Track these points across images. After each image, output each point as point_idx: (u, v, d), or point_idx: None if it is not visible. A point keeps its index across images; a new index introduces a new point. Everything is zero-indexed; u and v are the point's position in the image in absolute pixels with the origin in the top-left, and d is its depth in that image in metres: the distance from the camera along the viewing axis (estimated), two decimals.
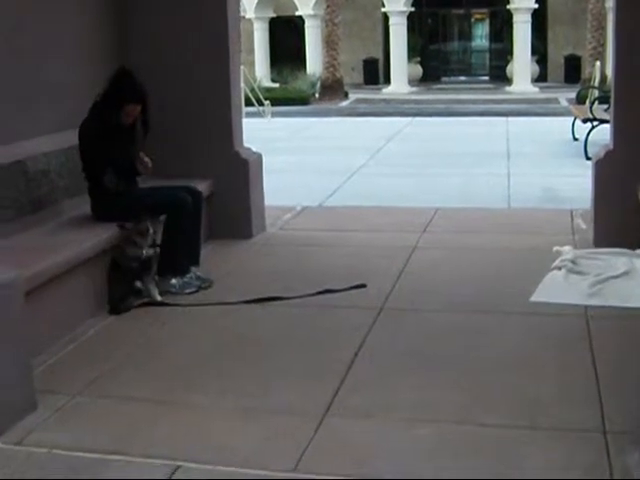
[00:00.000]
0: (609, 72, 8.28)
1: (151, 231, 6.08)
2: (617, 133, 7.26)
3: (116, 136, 6.23)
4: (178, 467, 3.81)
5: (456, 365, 4.90)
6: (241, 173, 7.79)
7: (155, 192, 6.54)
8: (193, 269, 6.46)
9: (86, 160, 6.29)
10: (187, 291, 6.28)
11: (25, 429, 4.22)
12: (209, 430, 4.20)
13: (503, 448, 3.95)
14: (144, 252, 6.03)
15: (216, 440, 4.08)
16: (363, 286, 6.29)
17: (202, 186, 7.07)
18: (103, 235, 6.03)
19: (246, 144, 8.17)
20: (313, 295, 6.09)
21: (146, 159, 6.28)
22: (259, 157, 8.18)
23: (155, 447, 4.01)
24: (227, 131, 7.73)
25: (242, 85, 19.15)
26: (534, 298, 5.99)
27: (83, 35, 7.11)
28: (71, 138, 6.38)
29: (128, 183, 6.44)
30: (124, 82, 6.23)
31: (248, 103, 22.15)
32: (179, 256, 6.38)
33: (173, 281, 6.30)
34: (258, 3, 35.35)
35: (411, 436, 4.07)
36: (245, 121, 8.57)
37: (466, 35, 40.18)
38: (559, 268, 6.52)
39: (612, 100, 7.42)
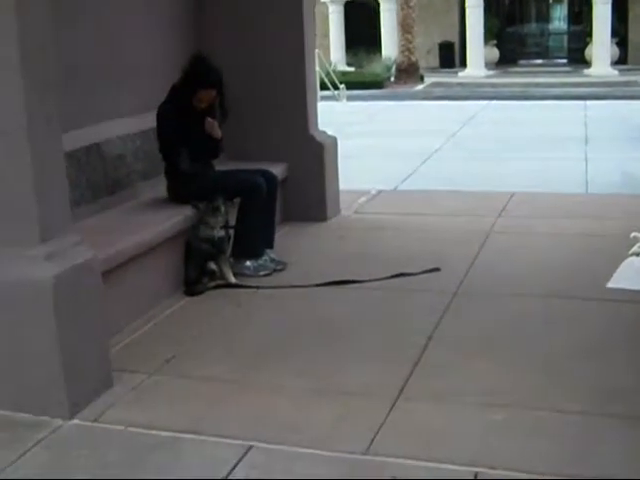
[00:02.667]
0: None
1: (223, 212, 6.12)
2: None
3: (192, 120, 6.28)
4: (251, 447, 3.85)
5: (531, 350, 4.86)
6: (316, 156, 7.80)
7: (230, 175, 6.58)
8: (267, 251, 6.50)
9: (162, 141, 6.36)
10: (261, 273, 6.32)
11: (102, 407, 4.29)
12: (282, 410, 4.23)
13: (578, 435, 3.91)
14: (216, 233, 6.08)
15: (289, 421, 4.11)
16: (437, 270, 6.26)
17: (277, 169, 7.09)
18: (179, 217, 6.09)
19: (321, 128, 8.17)
20: (387, 279, 6.09)
21: (210, 120, 6.33)
22: (334, 140, 8.18)
23: (229, 427, 4.05)
24: (302, 115, 7.74)
25: (317, 69, 19.20)
26: (611, 284, 5.91)
27: (160, 18, 7.17)
28: (147, 121, 6.45)
29: (204, 165, 6.47)
30: (198, 67, 6.28)
31: (323, 87, 22.16)
32: (253, 239, 6.41)
33: (247, 263, 6.33)
34: None
35: (484, 421, 4.05)
36: (320, 105, 8.57)
37: (544, 17, 39.59)
38: (637, 254, 6.42)
39: None
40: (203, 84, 6.28)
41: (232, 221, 6.33)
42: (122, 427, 4.09)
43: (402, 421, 4.08)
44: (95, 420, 4.18)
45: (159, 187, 6.51)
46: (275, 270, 6.39)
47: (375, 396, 4.33)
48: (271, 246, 6.63)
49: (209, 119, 6.32)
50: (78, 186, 5.85)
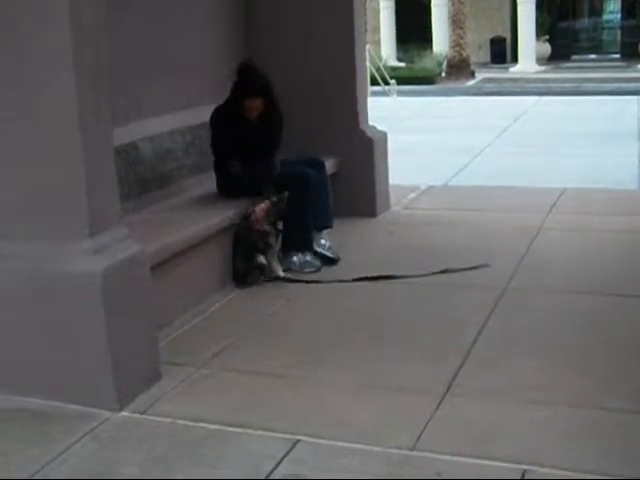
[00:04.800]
0: None
1: (271, 204, 6.12)
2: None
3: (246, 128, 6.34)
4: (298, 441, 3.85)
5: (580, 348, 4.81)
6: (366, 151, 7.78)
7: (282, 168, 6.57)
8: (324, 233, 6.56)
9: (212, 145, 6.44)
10: (306, 270, 6.31)
11: (150, 399, 4.32)
12: (329, 405, 4.23)
13: (624, 433, 3.86)
14: (265, 227, 6.09)
15: (336, 415, 4.10)
16: (486, 265, 6.22)
17: (327, 164, 7.08)
18: (228, 211, 6.11)
19: (371, 123, 8.15)
20: (433, 274, 6.06)
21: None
22: (384, 136, 8.16)
23: (275, 420, 4.05)
24: (352, 110, 7.72)
25: (368, 64, 19.16)
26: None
27: (210, 15, 7.19)
28: (196, 116, 6.48)
29: (253, 167, 6.46)
30: (243, 76, 6.32)
31: (374, 82, 22.11)
32: (301, 232, 6.41)
33: (294, 259, 6.33)
34: None
35: (532, 418, 4.01)
36: (370, 100, 8.55)
37: (597, 11, 39.19)
38: None
39: None
40: (248, 93, 6.32)
41: (282, 215, 6.33)
42: (170, 419, 4.12)
43: (449, 417, 4.06)
44: (143, 412, 4.21)
45: (208, 182, 6.54)
46: (327, 263, 6.39)
47: (423, 392, 4.31)
48: (330, 224, 6.68)
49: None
50: (127, 180, 5.90)
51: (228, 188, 6.41)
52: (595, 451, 3.71)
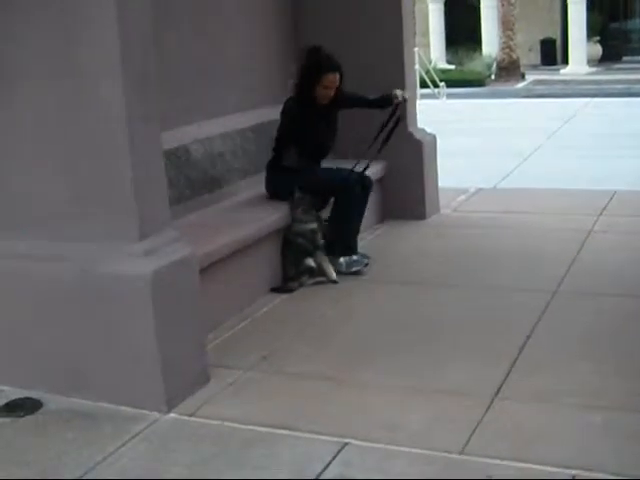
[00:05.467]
0: None
1: (312, 207, 6.16)
2: None
3: (314, 116, 6.34)
4: (346, 444, 3.84)
5: (632, 352, 4.75)
6: (415, 154, 7.77)
7: (327, 173, 6.58)
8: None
9: (277, 134, 6.46)
10: (353, 269, 6.31)
11: (198, 401, 4.34)
12: (377, 408, 4.22)
13: None
14: (308, 227, 6.09)
15: (385, 419, 4.09)
16: None
17: (376, 167, 7.07)
18: (276, 214, 6.12)
19: (420, 125, 8.13)
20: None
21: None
22: (433, 138, 8.14)
23: (324, 423, 4.05)
24: (401, 113, 7.69)
25: (417, 67, 19.08)
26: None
27: (257, 18, 7.22)
28: (246, 119, 6.50)
29: (308, 162, 6.47)
30: (317, 56, 6.33)
31: (423, 85, 22.05)
32: (347, 235, 6.40)
33: (340, 260, 6.32)
34: None
35: (582, 422, 3.98)
36: (420, 103, 8.53)
37: None
38: None
39: None
40: (328, 68, 6.31)
41: (325, 217, 6.35)
42: (218, 422, 4.13)
43: (499, 421, 4.03)
44: (192, 414, 4.23)
45: (258, 185, 6.56)
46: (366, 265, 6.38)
47: (472, 395, 4.29)
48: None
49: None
50: (177, 184, 5.93)
51: (275, 185, 6.44)
52: None
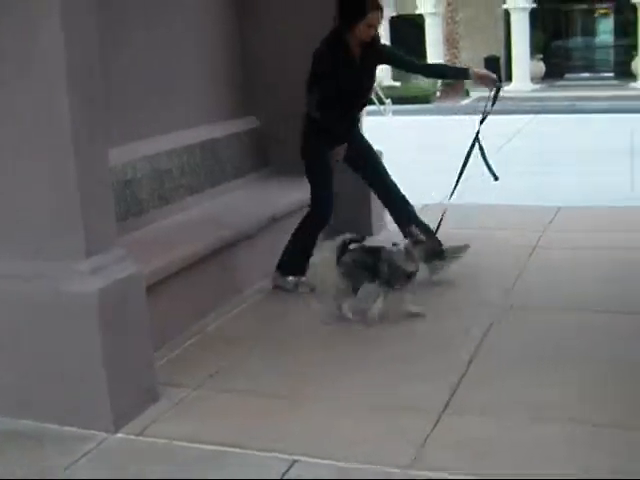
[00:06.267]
0: None
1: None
2: None
3: (345, 63, 6.08)
4: (295, 461, 3.84)
5: (578, 365, 4.80)
6: None
7: (327, 176, 6.32)
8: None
9: (310, 83, 6.14)
10: (301, 290, 6.29)
11: (147, 420, 4.31)
12: (326, 425, 4.22)
13: (619, 449, 3.86)
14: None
15: (333, 435, 4.10)
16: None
17: None
18: (224, 231, 6.10)
19: None
20: None
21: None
22: (380, 154, 8.14)
23: (274, 441, 4.04)
24: None
25: None
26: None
27: (208, 35, 7.21)
28: (192, 136, 6.49)
29: (342, 120, 6.25)
30: None
31: (369, 102, 22.13)
32: (301, 255, 6.35)
33: (290, 278, 6.33)
34: None
35: (529, 434, 4.01)
36: (366, 120, 8.54)
37: (590, 31, 39.34)
38: None
39: None
40: (374, 5, 6.02)
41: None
42: (166, 440, 4.10)
43: (447, 435, 4.05)
44: (140, 434, 4.19)
45: (205, 202, 6.54)
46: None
47: (421, 410, 4.31)
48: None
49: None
50: (124, 201, 5.89)
51: (303, 139, 6.24)
52: (593, 466, 3.70)
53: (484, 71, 6.56)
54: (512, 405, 4.32)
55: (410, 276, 5.68)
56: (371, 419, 4.26)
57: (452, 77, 6.49)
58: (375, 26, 6.08)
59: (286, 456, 3.88)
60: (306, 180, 6.28)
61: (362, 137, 6.69)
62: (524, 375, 4.68)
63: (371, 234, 7.73)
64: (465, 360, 4.91)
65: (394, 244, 5.81)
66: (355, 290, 5.64)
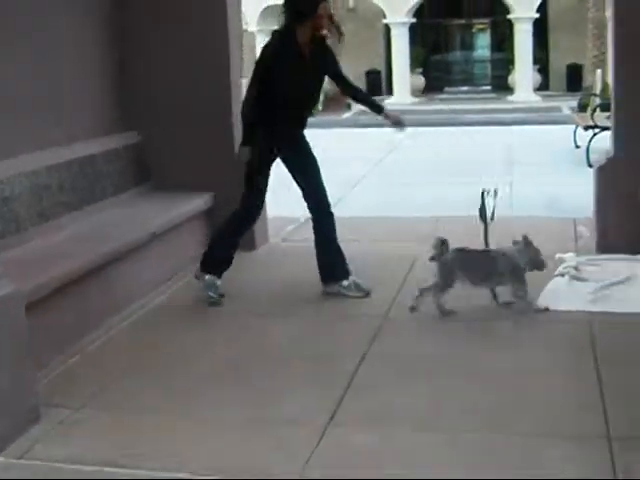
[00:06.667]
0: (610, 80, 8.32)
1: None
2: (618, 140, 7.25)
3: (294, 59, 6.04)
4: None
5: (459, 372, 4.90)
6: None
7: (264, 178, 6.39)
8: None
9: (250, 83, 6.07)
10: (210, 294, 6.29)
11: (28, 442, 4.21)
12: (214, 441, 4.19)
13: (509, 455, 3.95)
14: None
15: (220, 451, 4.08)
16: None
17: (204, 198, 7.06)
18: (103, 247, 6.02)
19: None
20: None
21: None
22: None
23: (158, 459, 4.00)
24: (229, 144, 7.69)
25: None
26: (538, 304, 5.99)
27: (88, 50, 7.11)
28: (71, 152, 6.40)
29: (283, 123, 6.21)
30: None
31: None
32: (227, 253, 6.37)
33: (207, 277, 6.32)
34: (261, 15, 35.39)
35: (414, 442, 4.07)
36: None
37: (468, 45, 40.15)
38: (562, 275, 6.53)
39: (612, 107, 7.42)
40: None
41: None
42: (47, 463, 4.02)
43: (333, 446, 4.08)
44: (21, 457, 4.10)
45: (85, 219, 6.44)
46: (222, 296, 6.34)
47: (307, 423, 4.33)
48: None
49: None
50: (2, 218, 5.77)
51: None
52: (480, 472, 3.77)
53: (394, 113, 6.76)
54: (396, 414, 4.38)
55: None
56: (256, 434, 4.25)
57: (370, 107, 6.53)
58: (327, 17, 6.05)
59: (171, 474, 3.85)
60: (187, 195, 6.26)
61: (304, 142, 6.62)
62: (408, 383, 4.75)
63: (254, 247, 7.73)
64: (350, 371, 4.95)
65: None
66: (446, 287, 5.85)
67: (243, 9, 30.29)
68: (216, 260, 6.36)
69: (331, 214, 6.49)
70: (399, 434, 4.17)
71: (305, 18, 5.96)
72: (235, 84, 7.81)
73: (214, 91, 7.60)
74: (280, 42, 6.05)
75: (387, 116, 6.62)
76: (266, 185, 6.35)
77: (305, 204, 6.51)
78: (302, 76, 6.06)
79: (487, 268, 5.92)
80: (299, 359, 5.24)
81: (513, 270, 5.83)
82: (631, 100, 7.04)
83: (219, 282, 6.35)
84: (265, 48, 6.12)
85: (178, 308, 6.23)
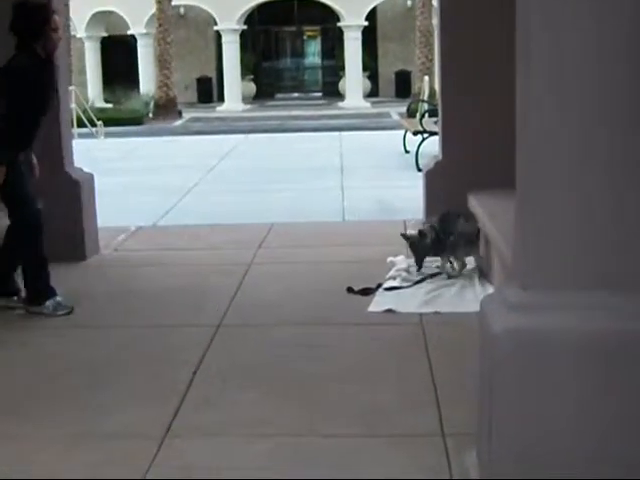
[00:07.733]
0: (437, 86, 8.59)
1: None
2: (445, 144, 7.44)
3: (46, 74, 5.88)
4: None
5: (296, 378, 4.90)
6: (72, 194, 7.59)
7: (25, 187, 6.14)
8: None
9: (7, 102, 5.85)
10: (59, 313, 6.07)
11: None
12: (35, 460, 4.01)
13: (342, 457, 3.97)
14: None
15: (47, 470, 3.91)
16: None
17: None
18: None
19: (78, 165, 7.99)
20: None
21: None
22: (91, 178, 8.00)
23: None
24: (57, 152, 7.51)
25: (73, 106, 18.83)
26: (371, 308, 6.07)
27: None
28: None
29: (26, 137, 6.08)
30: (31, 4, 5.79)
31: (80, 124, 21.75)
32: (41, 276, 6.15)
33: (47, 303, 6.07)
34: (89, 22, 34.83)
35: (250, 452, 4.04)
36: (77, 142, 8.41)
37: (299, 52, 40.57)
38: (394, 278, 6.63)
39: (440, 113, 7.60)
40: (49, 10, 5.80)
41: None
42: None
43: (171, 459, 3.99)
44: None
45: None
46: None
47: (142, 436, 4.23)
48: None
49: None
50: None
51: None
52: (310, 477, 3.78)
53: (35, 161, 6.47)
54: (233, 424, 4.33)
55: None
56: (87, 450, 4.11)
57: None
58: (59, 29, 5.92)
59: None
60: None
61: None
62: (244, 392, 4.71)
63: (84, 258, 7.56)
64: (185, 381, 4.87)
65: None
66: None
67: (71, 15, 29.81)
68: (41, 283, 6.15)
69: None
70: (234, 445, 4.12)
71: (40, 34, 5.82)
72: (62, 90, 7.60)
73: None
74: (34, 62, 5.86)
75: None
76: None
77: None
78: (50, 94, 6.09)
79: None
80: (130, 372, 5.11)
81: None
82: (457, 106, 7.23)
83: (59, 298, 6.16)
84: (23, 71, 5.85)
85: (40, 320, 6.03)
